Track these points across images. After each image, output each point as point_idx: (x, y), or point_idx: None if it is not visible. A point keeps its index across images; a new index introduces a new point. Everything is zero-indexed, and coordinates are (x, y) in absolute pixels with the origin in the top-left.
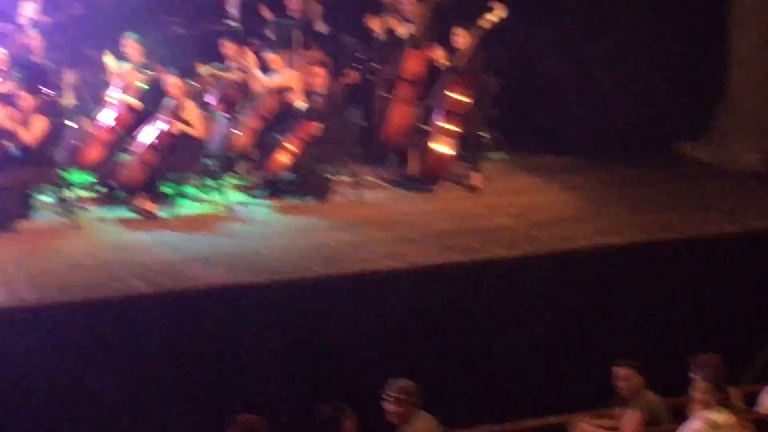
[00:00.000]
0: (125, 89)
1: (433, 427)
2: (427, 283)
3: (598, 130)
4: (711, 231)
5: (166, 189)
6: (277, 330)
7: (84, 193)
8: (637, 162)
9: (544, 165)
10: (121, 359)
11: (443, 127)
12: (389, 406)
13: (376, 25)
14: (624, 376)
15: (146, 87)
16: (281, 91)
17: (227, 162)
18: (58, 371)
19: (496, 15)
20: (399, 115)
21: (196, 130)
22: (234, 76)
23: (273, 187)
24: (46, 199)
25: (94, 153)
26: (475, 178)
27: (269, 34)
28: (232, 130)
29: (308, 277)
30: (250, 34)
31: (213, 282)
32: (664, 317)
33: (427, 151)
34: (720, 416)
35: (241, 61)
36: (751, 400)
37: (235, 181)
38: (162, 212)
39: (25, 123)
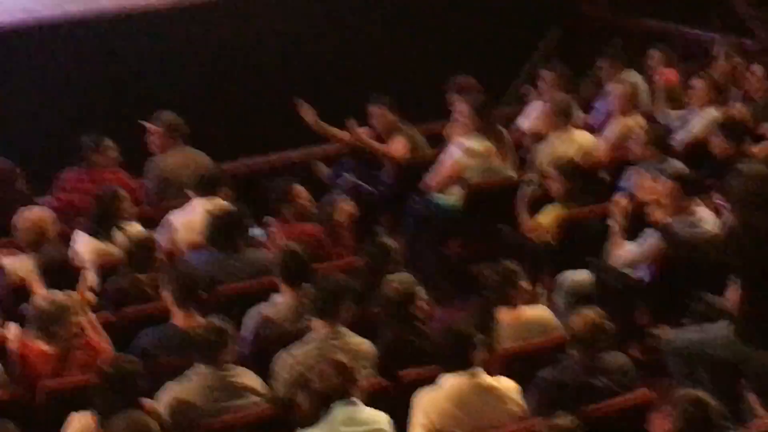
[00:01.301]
0: None
1: (190, 159)
2: (185, 23)
3: None
4: None
5: None
6: (31, 73)
7: None
8: None
9: None
10: None
11: None
12: (150, 137)
13: None
14: (377, 114)
15: None
16: None
17: None
18: None
19: None
20: None
21: None
22: None
23: None
24: None
25: None
26: None
27: None
28: None
29: (65, 17)
30: None
31: None
32: (418, 47)
33: None
34: (478, 144)
35: None
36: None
37: None
38: None
39: None
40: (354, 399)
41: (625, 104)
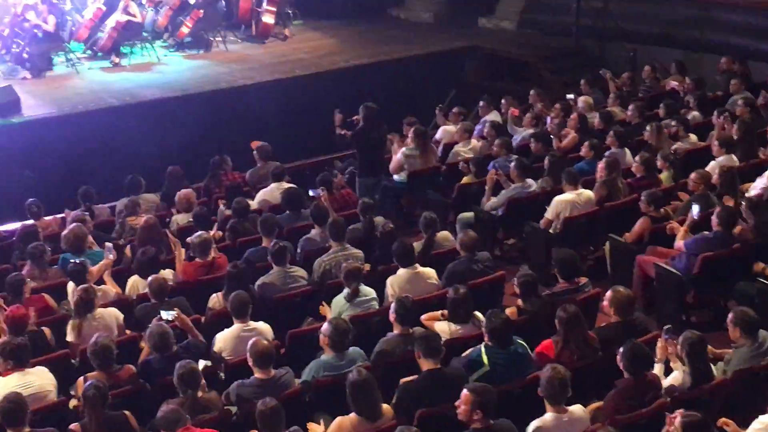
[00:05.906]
0: None
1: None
2: (268, 93)
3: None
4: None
5: (125, 50)
6: (190, 127)
7: (80, 55)
8: (369, 20)
9: (321, 25)
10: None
11: (268, 9)
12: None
13: None
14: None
15: None
16: None
17: (155, 33)
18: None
19: None
20: (244, 2)
21: (137, 17)
22: None
23: (182, 46)
24: (59, 58)
25: (83, 32)
26: (287, 33)
27: None
28: (158, 15)
29: (203, 92)
30: None
31: (152, 97)
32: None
33: (261, 21)
34: (412, 150)
35: None
36: None
37: (161, 44)
38: (123, 62)
39: (45, 20)
40: (360, 283)
41: (490, 131)
